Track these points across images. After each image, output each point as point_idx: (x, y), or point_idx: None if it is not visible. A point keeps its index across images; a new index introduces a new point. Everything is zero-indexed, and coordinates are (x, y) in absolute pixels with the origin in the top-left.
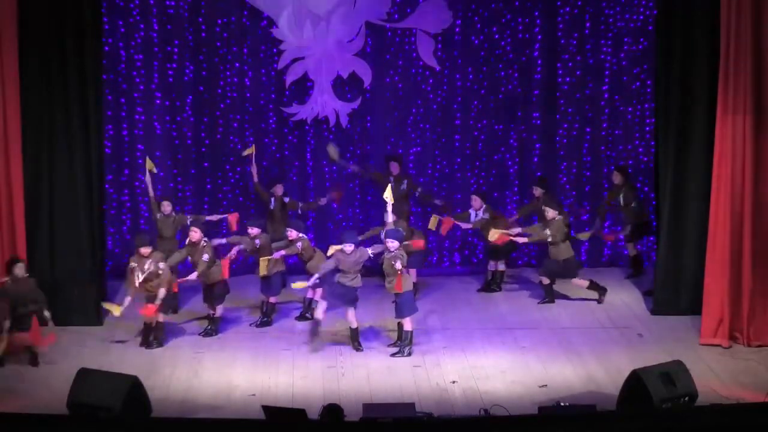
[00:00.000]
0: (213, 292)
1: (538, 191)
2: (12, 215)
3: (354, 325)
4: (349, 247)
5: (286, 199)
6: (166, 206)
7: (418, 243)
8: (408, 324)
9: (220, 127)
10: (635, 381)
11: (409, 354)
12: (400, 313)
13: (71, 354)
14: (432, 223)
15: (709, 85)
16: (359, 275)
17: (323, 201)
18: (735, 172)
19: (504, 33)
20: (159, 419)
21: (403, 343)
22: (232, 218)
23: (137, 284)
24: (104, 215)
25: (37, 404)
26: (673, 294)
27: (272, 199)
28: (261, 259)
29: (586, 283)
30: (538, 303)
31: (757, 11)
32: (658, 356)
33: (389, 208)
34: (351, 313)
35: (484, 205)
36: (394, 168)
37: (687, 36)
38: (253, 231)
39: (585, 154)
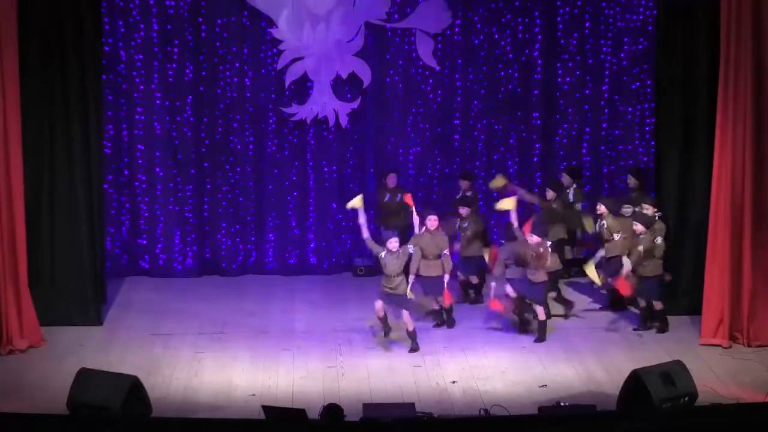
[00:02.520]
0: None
1: (632, 181)
2: (12, 215)
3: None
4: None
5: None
6: None
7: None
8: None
9: (220, 127)
10: (635, 381)
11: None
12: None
13: (71, 354)
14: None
15: (709, 85)
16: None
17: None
18: (735, 173)
19: (504, 33)
20: (159, 419)
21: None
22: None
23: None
24: (104, 215)
25: (37, 404)
26: (673, 294)
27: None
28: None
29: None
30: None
31: (757, 11)
32: (658, 356)
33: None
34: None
35: (575, 184)
36: (392, 180)
37: (687, 36)
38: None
39: (585, 154)
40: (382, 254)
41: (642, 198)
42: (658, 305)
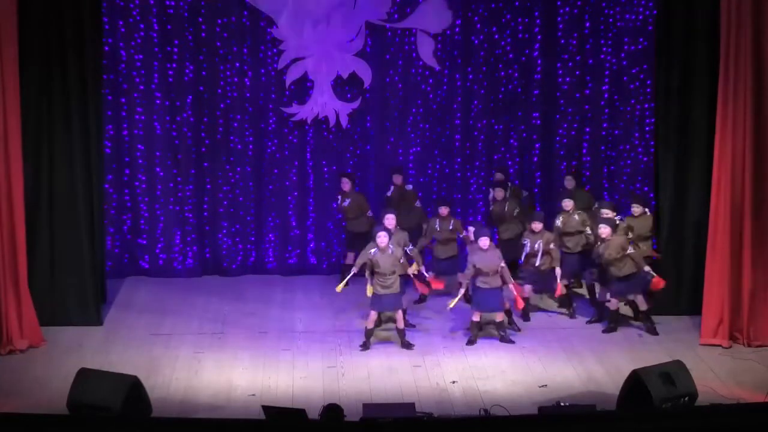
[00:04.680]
0: None
1: (570, 183)
2: (12, 215)
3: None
4: (485, 241)
5: (409, 187)
6: None
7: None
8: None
9: (220, 127)
10: (635, 381)
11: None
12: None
13: (71, 354)
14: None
15: (709, 85)
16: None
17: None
18: (735, 172)
19: (504, 33)
20: (159, 419)
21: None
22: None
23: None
24: (104, 215)
25: (37, 404)
26: (673, 294)
27: (391, 187)
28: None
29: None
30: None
31: (757, 11)
32: (658, 356)
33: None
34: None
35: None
36: (345, 184)
37: (687, 36)
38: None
39: (585, 154)
40: (372, 251)
41: (584, 197)
42: (642, 305)
